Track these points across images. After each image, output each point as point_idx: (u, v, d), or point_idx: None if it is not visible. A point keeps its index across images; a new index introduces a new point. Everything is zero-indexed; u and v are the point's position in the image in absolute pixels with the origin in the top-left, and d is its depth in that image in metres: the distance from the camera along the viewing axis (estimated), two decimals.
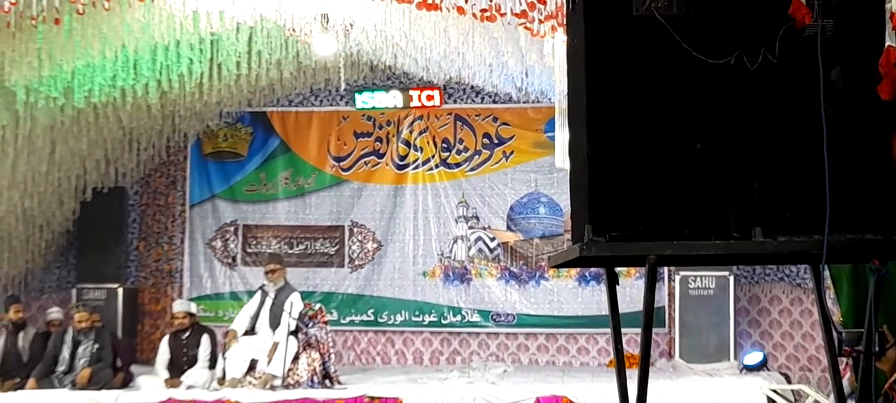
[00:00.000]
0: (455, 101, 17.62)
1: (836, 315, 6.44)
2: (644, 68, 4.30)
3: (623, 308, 4.71)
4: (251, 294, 15.08)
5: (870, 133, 4.29)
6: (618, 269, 4.77)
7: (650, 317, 4.42)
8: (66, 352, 14.22)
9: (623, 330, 4.74)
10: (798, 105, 4.26)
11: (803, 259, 4.76)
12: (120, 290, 17.09)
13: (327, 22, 13.19)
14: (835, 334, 4.59)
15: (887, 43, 4.20)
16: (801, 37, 4.24)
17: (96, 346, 14.24)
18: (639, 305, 4.48)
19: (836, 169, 4.15)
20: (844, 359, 4.86)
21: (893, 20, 4.21)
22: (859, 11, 4.30)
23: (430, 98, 17.35)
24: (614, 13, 4.30)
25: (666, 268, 15.50)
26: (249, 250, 17.89)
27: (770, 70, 4.24)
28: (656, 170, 4.27)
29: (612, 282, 4.67)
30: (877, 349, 4.39)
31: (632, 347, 14.45)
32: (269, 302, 13.97)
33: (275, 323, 13.64)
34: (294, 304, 13.60)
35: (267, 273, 14.27)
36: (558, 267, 5.21)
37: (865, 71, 4.24)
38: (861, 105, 4.27)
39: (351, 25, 13.31)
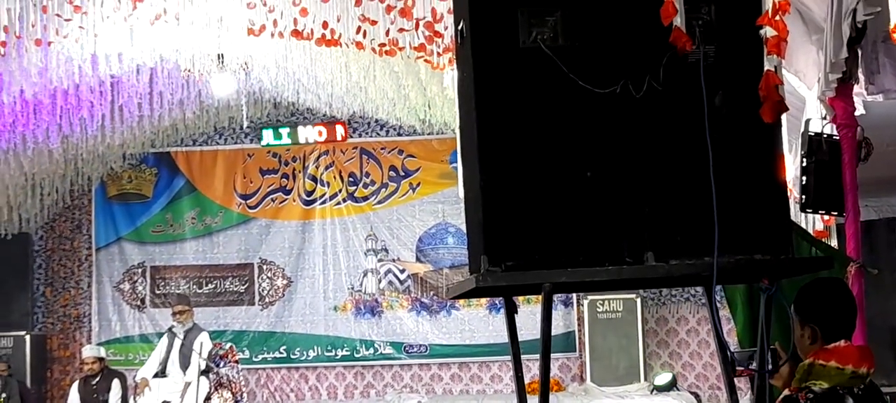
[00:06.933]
0: (360, 135, 17.63)
1: (733, 334, 6.54)
2: (533, 99, 4.34)
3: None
4: (161, 335, 14.92)
5: (754, 155, 4.38)
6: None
7: (548, 344, 4.44)
8: None
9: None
10: (684, 130, 4.32)
11: (695, 281, 4.84)
12: (27, 337, 16.82)
13: (222, 61, 13.14)
14: (729, 354, 4.66)
15: (766, 67, 4.28)
16: (684, 64, 4.30)
17: (4, 396, 14.08)
18: None
19: (723, 192, 4.21)
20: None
21: (768, 45, 4.29)
22: (738, 37, 4.39)
23: (334, 132, 17.33)
24: (501, 46, 4.34)
25: (574, 293, 15.62)
26: (158, 291, 17.72)
27: (655, 97, 4.30)
28: (549, 199, 4.30)
29: (511, 311, 4.71)
30: (770, 367, 4.46)
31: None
32: (177, 343, 13.84)
33: (185, 365, 13.54)
34: (204, 344, 13.52)
35: (174, 314, 14.14)
36: (456, 298, 5.22)
37: (748, 94, 4.32)
38: (745, 128, 4.34)
39: (246, 65, 13.28)
